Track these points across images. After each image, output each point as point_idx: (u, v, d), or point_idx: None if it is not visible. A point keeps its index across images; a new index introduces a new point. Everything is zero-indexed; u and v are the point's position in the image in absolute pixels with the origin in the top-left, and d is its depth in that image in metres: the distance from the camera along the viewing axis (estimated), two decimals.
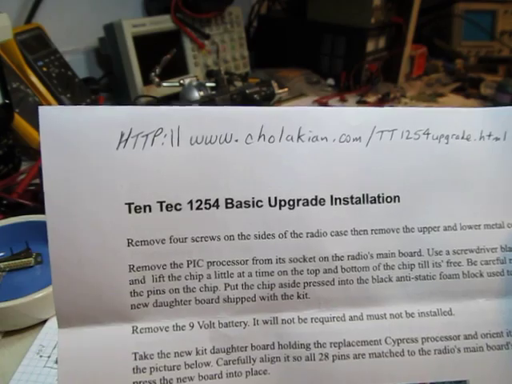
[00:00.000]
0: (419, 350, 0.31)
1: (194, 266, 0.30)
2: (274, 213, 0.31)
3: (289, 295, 0.31)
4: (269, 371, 0.31)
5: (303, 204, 0.31)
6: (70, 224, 0.29)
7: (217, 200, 0.30)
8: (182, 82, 0.94)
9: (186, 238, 0.30)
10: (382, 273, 0.31)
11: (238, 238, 0.30)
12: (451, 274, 0.31)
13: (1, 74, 0.71)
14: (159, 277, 0.30)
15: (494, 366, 0.31)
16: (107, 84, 1.07)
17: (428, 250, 0.31)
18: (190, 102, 0.89)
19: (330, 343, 0.31)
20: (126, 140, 0.29)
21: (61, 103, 0.85)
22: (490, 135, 0.32)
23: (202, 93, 0.92)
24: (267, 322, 0.31)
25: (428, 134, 0.31)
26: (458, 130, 0.32)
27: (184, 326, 0.30)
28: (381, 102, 1.09)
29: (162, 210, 0.30)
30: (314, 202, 0.31)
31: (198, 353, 0.30)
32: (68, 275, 0.29)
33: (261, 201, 0.31)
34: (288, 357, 0.31)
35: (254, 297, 0.31)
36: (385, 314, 0.31)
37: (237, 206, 0.30)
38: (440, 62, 1.31)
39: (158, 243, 0.30)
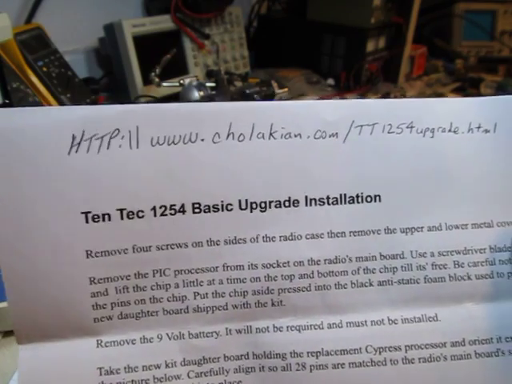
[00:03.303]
0: (402, 359, 0.29)
1: (161, 276, 0.28)
2: (244, 216, 0.29)
3: (263, 303, 0.29)
4: (243, 382, 0.29)
5: (276, 206, 0.29)
6: (21, 237, 0.27)
7: (183, 205, 0.28)
8: (181, 81, 0.93)
9: (150, 247, 0.28)
10: (362, 277, 0.29)
11: (206, 244, 0.29)
12: (436, 278, 0.29)
13: (1, 74, 0.70)
14: (123, 288, 0.28)
15: (482, 374, 0.29)
16: (107, 84, 1.05)
17: (411, 252, 0.29)
18: (190, 102, 0.89)
19: (308, 352, 0.29)
20: (79, 144, 0.27)
21: (61, 103, 0.84)
22: (479, 127, 0.29)
23: (201, 93, 0.91)
24: (241, 332, 0.29)
25: (412, 127, 0.29)
26: (445, 122, 0.29)
27: (152, 337, 0.29)
28: None
29: (122, 218, 0.28)
30: (287, 203, 0.29)
31: (167, 366, 0.29)
32: (24, 290, 0.28)
33: (230, 204, 0.29)
34: (263, 367, 0.29)
35: (226, 305, 0.29)
36: (365, 321, 0.29)
37: (205, 211, 0.28)
38: (440, 61, 1.29)
39: (119, 253, 0.28)
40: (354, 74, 1.12)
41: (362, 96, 1.10)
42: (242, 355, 0.29)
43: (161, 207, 0.28)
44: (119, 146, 0.27)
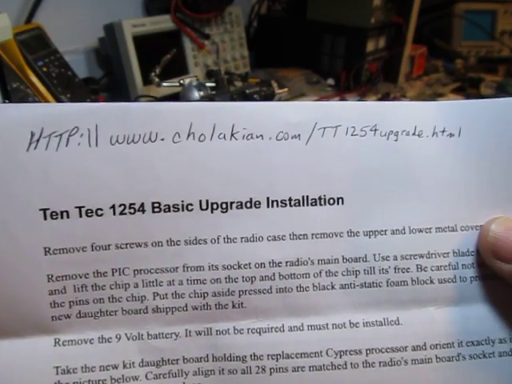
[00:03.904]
0: (363, 363, 0.29)
1: (120, 275, 0.28)
2: (205, 217, 0.28)
3: (223, 304, 0.28)
4: None
5: (237, 207, 0.28)
6: None
7: (142, 204, 0.28)
8: (181, 81, 0.93)
9: (109, 245, 0.28)
10: (324, 280, 0.29)
11: (166, 244, 0.28)
12: (399, 281, 0.29)
13: (1, 74, 0.71)
14: (82, 286, 0.28)
15: (443, 378, 0.29)
16: (107, 84, 1.05)
17: (374, 255, 0.29)
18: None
19: (268, 355, 0.28)
20: (38, 140, 0.27)
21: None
22: (443, 131, 0.29)
23: (202, 93, 0.91)
24: (200, 333, 0.29)
25: (375, 130, 0.29)
26: (409, 125, 0.29)
27: (110, 337, 0.28)
28: None
29: (81, 215, 0.27)
30: (248, 204, 0.28)
31: (125, 366, 0.28)
32: None
33: (191, 204, 0.28)
34: (223, 370, 0.28)
35: (186, 306, 0.28)
36: (327, 324, 0.29)
37: (165, 210, 0.28)
38: (440, 62, 1.28)
39: (78, 251, 0.28)
40: (354, 74, 1.12)
41: (362, 96, 1.10)
42: (201, 357, 0.29)
43: (120, 206, 0.28)
44: (78, 143, 0.27)
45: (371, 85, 1.13)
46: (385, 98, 1.09)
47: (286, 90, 1.01)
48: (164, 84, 0.94)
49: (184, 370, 0.28)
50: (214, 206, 0.28)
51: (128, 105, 0.28)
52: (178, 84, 0.93)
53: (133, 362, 0.28)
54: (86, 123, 0.27)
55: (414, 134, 0.29)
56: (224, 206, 0.28)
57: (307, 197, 0.29)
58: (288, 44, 1.21)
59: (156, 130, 0.28)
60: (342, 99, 1.08)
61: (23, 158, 0.27)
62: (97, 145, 0.27)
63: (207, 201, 0.28)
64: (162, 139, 0.28)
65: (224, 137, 0.28)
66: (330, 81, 1.16)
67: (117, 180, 0.28)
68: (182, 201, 0.28)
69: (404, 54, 1.16)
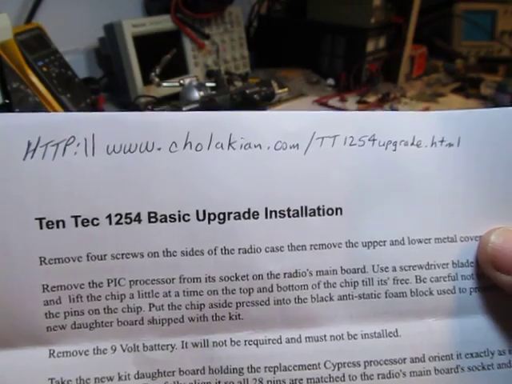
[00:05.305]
0: (361, 375, 0.28)
1: (115, 285, 0.27)
2: (202, 227, 0.28)
3: (220, 316, 0.28)
4: None
5: (235, 217, 0.28)
6: None
7: (138, 214, 0.27)
8: (181, 82, 0.93)
9: (105, 255, 0.27)
10: (322, 291, 0.28)
11: (162, 254, 0.27)
12: (398, 293, 0.28)
13: (1, 74, 0.70)
14: (77, 297, 0.27)
15: None
16: (107, 84, 1.05)
17: (373, 266, 0.28)
18: (190, 102, 0.89)
19: (265, 367, 0.28)
20: (34, 150, 0.26)
21: (61, 103, 0.84)
22: (442, 141, 0.28)
23: (202, 93, 0.91)
24: (197, 345, 0.28)
25: (374, 140, 0.28)
26: (408, 135, 0.28)
27: (105, 349, 0.28)
28: (381, 102, 1.07)
29: (77, 225, 0.27)
30: (246, 215, 0.28)
31: (120, 378, 0.28)
32: None
33: (188, 214, 0.27)
34: (219, 382, 0.28)
35: (182, 318, 0.28)
36: (325, 336, 0.28)
37: (161, 220, 0.27)
38: (440, 62, 1.28)
39: (74, 261, 0.27)
40: (354, 74, 1.11)
41: (362, 96, 1.10)
42: (197, 369, 0.28)
43: (116, 215, 0.27)
44: (74, 153, 0.27)
45: (371, 85, 1.13)
46: (385, 97, 1.08)
47: (285, 89, 1.01)
48: (164, 84, 0.94)
49: (180, 382, 0.28)
50: (212, 217, 0.28)
51: (125, 114, 0.27)
52: (178, 84, 0.93)
53: (128, 374, 0.28)
54: (82, 132, 0.27)
55: (412, 143, 0.28)
56: (221, 216, 0.28)
57: (306, 207, 0.28)
58: (288, 44, 1.21)
59: (153, 140, 0.27)
60: (342, 99, 1.08)
61: (20, 167, 0.26)
62: (93, 154, 0.27)
63: (204, 211, 0.28)
64: (159, 148, 0.27)
65: (221, 146, 0.28)
66: (330, 81, 1.16)
67: (113, 189, 0.27)
68: (179, 211, 0.28)
69: (404, 54, 1.15)
